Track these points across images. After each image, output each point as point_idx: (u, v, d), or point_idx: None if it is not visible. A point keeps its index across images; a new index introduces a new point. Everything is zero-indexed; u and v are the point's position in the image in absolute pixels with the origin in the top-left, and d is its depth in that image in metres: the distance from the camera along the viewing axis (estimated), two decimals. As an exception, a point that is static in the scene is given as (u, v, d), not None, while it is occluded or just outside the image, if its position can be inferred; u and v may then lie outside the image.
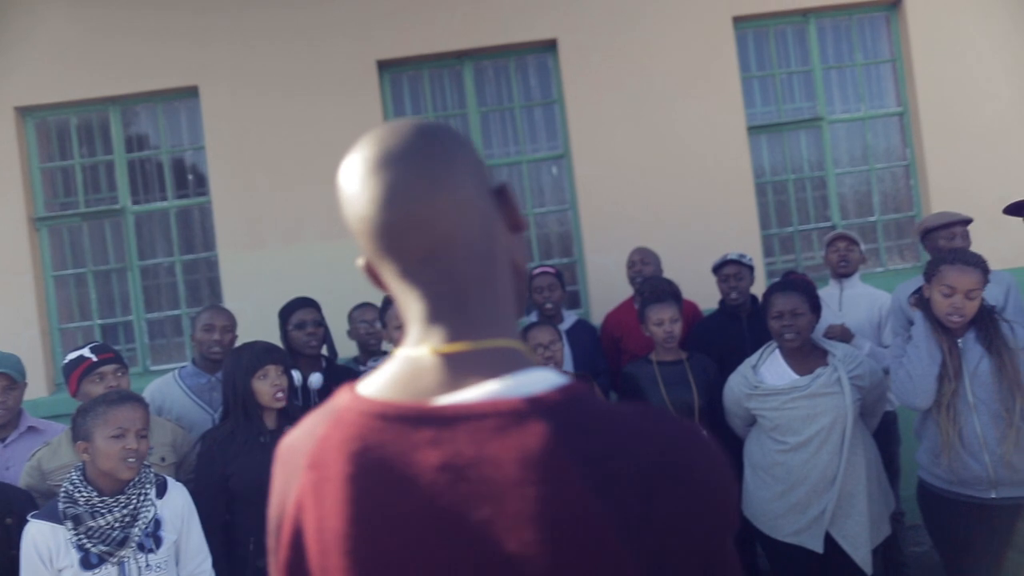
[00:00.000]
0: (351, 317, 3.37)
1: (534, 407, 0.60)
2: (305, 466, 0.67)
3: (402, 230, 0.65)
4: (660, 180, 4.23)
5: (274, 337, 3.84)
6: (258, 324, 4.02)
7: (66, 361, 2.45)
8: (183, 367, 3.07)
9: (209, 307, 3.06)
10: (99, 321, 4.34)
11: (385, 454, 0.62)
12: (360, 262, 0.74)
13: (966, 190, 4.19)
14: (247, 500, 2.33)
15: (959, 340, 2.36)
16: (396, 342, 2.68)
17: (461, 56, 4.38)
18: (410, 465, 0.61)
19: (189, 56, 4.24)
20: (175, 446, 2.56)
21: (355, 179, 0.68)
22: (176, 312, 4.36)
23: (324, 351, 3.19)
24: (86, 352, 2.41)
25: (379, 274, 0.73)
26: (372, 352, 3.32)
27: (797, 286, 2.54)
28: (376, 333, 3.32)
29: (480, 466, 0.59)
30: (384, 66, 4.35)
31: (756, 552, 3.27)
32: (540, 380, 0.63)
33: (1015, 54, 4.31)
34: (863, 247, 3.49)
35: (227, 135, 4.22)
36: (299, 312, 3.09)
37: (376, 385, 0.68)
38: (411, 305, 0.69)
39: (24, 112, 4.31)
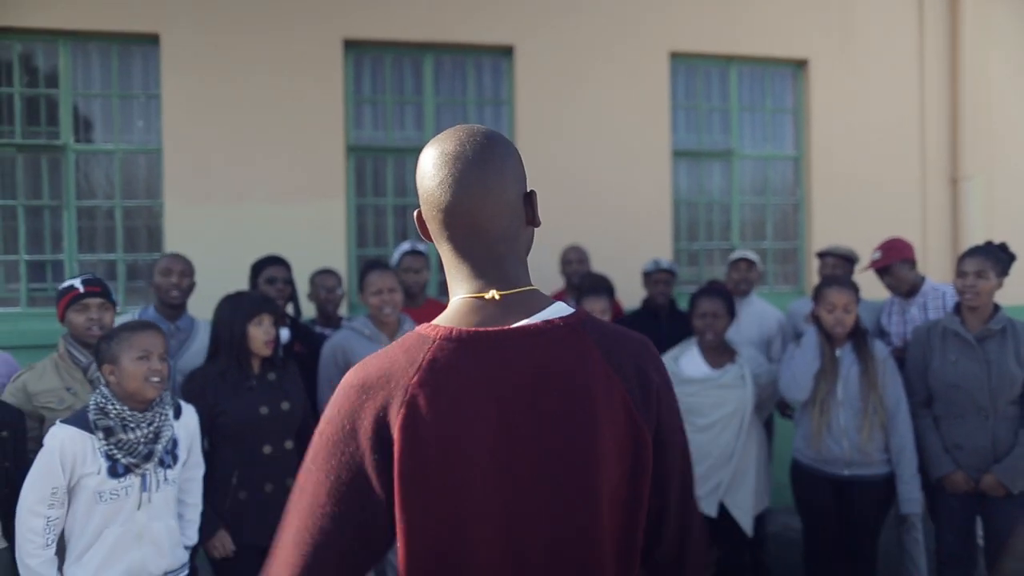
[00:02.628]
0: (313, 281, 3.57)
1: (576, 321, 0.97)
2: (416, 384, 0.89)
3: (458, 211, 0.95)
4: (592, 188, 4.69)
5: (214, 291, 3.99)
6: (200, 277, 4.09)
7: (59, 289, 2.54)
8: (145, 310, 3.16)
9: (168, 254, 3.14)
10: (25, 256, 4.24)
11: (489, 366, 0.91)
12: (415, 213, 1.03)
13: (844, 229, 4.96)
14: (234, 437, 2.54)
15: (838, 351, 2.97)
16: (371, 307, 2.95)
17: (423, 47, 4.65)
18: (507, 372, 0.91)
19: (153, 2, 4.23)
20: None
21: (433, 164, 0.97)
22: (112, 256, 4.33)
23: (290, 309, 3.38)
24: (76, 283, 2.50)
25: (428, 229, 1.02)
26: (329, 316, 3.54)
27: (720, 292, 3.06)
28: (335, 299, 3.55)
29: (553, 366, 0.92)
30: (350, 45, 4.54)
31: (766, 549, 3.76)
32: (563, 308, 0.99)
33: (898, 115, 5.16)
34: (760, 270, 4.10)
35: (186, 88, 4.25)
36: (270, 268, 3.27)
37: (457, 319, 0.96)
38: (460, 265, 0.99)
39: (-38, 31, 4.13)
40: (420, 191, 0.99)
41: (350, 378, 0.94)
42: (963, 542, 2.94)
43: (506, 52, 4.74)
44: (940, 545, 2.98)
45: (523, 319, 0.95)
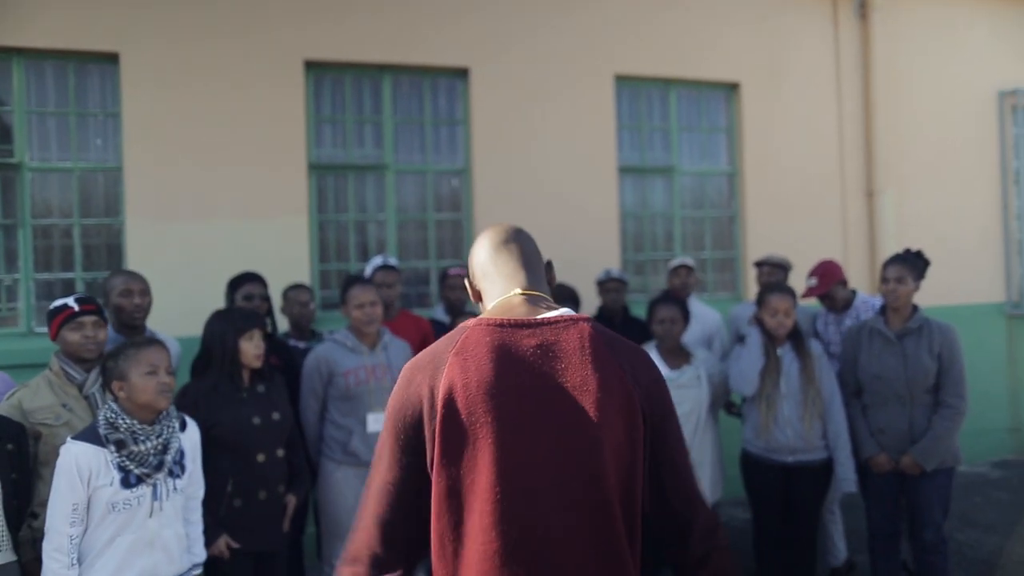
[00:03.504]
0: (286, 296, 3.67)
1: (582, 318, 1.29)
2: (452, 354, 1.23)
3: (502, 243, 1.42)
4: (544, 203, 4.96)
5: (176, 306, 4.05)
6: (163, 293, 4.13)
7: (51, 307, 2.58)
8: None
9: (120, 272, 3.04)
10: (-21, 277, 4.18)
11: (506, 342, 1.23)
12: (464, 280, 1.49)
13: (776, 239, 5.39)
14: (228, 447, 2.64)
15: (779, 349, 3.30)
16: (354, 320, 3.10)
17: (382, 68, 4.82)
18: (519, 346, 1.23)
19: (111, 22, 4.25)
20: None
21: (488, 230, 1.47)
22: (70, 275, 4.31)
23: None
24: (70, 301, 2.55)
25: (476, 282, 1.44)
26: (303, 329, 3.65)
27: (675, 300, 3.35)
28: (308, 313, 3.66)
29: (557, 344, 1.24)
30: (311, 66, 4.66)
31: None
32: (570, 311, 1.31)
33: (819, 134, 5.64)
34: (698, 276, 4.44)
35: (147, 106, 4.28)
36: (248, 285, 3.37)
37: (492, 313, 1.32)
38: (497, 278, 1.39)
39: (-91, 47, 4.06)
40: (473, 255, 1.45)
41: (407, 364, 1.30)
42: (889, 518, 3.30)
43: (462, 74, 4.95)
44: (869, 521, 3.34)
45: (540, 315, 1.28)
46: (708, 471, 3.31)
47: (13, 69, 4.22)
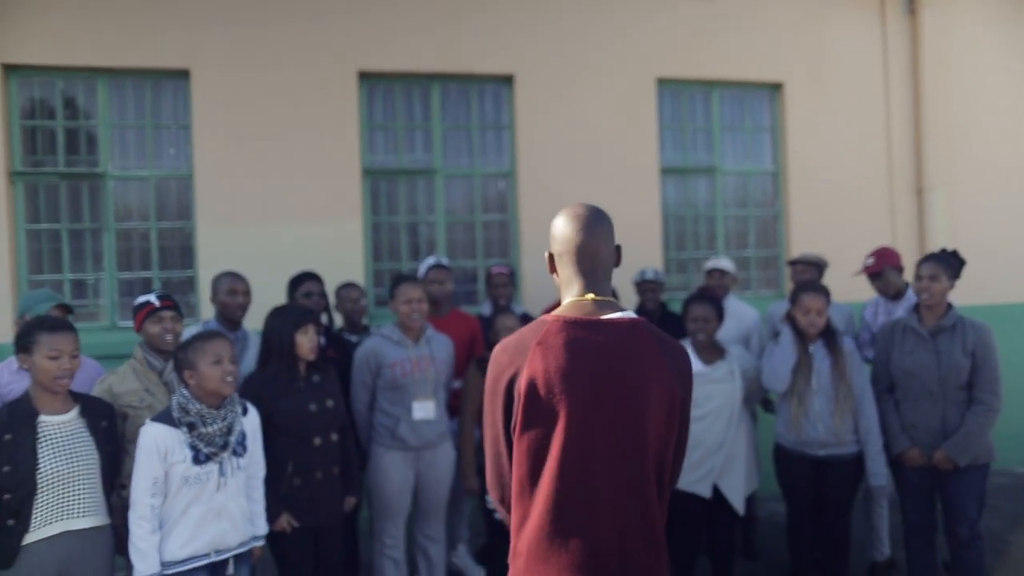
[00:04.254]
0: (339, 294, 3.94)
1: (638, 320, 1.57)
2: (535, 345, 1.51)
3: (582, 247, 1.61)
4: (589, 203, 5.09)
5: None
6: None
7: (135, 303, 2.91)
8: (207, 323, 3.52)
9: (228, 273, 3.46)
10: (69, 275, 4.59)
11: (577, 336, 1.52)
12: (547, 254, 1.66)
13: (820, 238, 5.41)
14: (288, 432, 2.89)
15: (811, 347, 3.38)
16: (401, 314, 3.33)
17: (431, 77, 5.05)
18: (588, 341, 1.52)
19: (183, 42, 4.61)
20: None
21: (566, 222, 1.63)
22: (148, 273, 4.69)
23: (323, 319, 3.75)
24: (152, 298, 2.87)
25: (556, 262, 1.65)
26: (355, 324, 3.92)
27: (709, 299, 3.46)
28: (359, 309, 3.92)
29: (618, 340, 1.52)
30: (364, 77, 4.94)
31: (755, 530, 4.23)
32: (630, 313, 1.58)
33: (866, 132, 5.62)
34: (736, 275, 4.48)
35: (215, 118, 4.63)
36: (307, 283, 3.64)
37: (567, 312, 1.58)
38: (575, 279, 1.62)
39: (9, 70, 4.50)
40: (556, 236, 1.64)
41: (498, 347, 1.60)
42: (924, 512, 3.34)
43: (507, 80, 5.15)
44: (904, 516, 3.39)
45: (606, 315, 1.56)
46: (742, 464, 3.41)
47: (98, 87, 4.62)
